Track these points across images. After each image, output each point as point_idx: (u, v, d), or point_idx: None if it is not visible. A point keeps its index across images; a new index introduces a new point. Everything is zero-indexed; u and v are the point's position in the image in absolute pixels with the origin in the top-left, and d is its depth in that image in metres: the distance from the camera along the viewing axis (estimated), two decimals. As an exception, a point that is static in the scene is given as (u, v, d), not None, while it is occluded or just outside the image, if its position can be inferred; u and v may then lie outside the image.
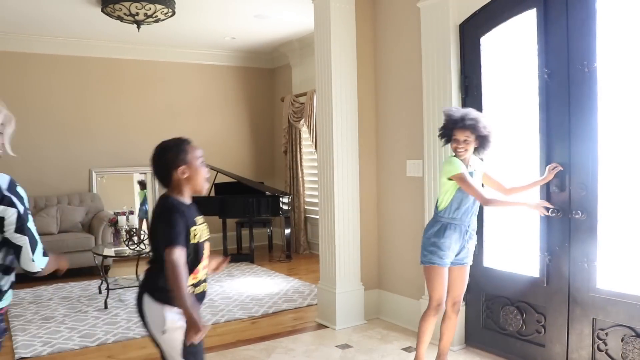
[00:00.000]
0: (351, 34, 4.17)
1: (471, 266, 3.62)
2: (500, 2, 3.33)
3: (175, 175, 2.08)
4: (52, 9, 5.39)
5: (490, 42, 3.46)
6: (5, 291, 1.88)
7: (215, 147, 7.48)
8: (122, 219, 5.66)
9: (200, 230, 2.12)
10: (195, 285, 2.13)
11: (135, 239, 5.12)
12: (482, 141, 2.94)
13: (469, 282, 3.62)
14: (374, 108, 4.34)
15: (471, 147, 2.94)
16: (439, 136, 3.08)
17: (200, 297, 2.18)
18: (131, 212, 6.27)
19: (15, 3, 5.15)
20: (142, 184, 7.32)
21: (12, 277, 1.90)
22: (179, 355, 2.06)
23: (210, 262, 2.32)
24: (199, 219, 2.15)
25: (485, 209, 3.46)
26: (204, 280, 2.19)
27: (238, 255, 7.07)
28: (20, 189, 1.83)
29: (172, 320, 2.02)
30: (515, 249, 3.41)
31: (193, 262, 2.09)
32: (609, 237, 2.89)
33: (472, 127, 2.88)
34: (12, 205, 1.78)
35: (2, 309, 1.89)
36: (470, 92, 3.56)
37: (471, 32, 3.54)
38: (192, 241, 2.06)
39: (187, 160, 2.08)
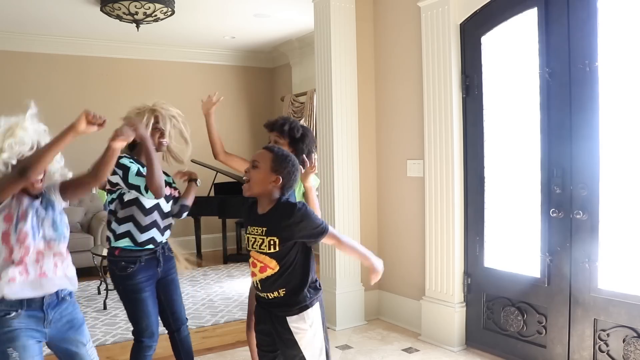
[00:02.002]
0: (351, 34, 4.16)
1: (472, 266, 3.62)
2: (501, 1, 3.32)
3: None
4: (50, 8, 5.38)
5: (491, 42, 3.44)
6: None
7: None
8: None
9: (248, 239, 2.13)
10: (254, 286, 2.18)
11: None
12: (296, 148, 2.78)
13: (470, 282, 3.61)
14: (374, 108, 4.32)
15: None
16: None
17: (261, 300, 2.18)
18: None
19: (14, 2, 5.14)
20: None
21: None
22: None
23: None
24: (252, 228, 2.11)
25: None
26: (257, 288, 2.14)
27: (238, 255, 7.06)
28: None
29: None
30: (516, 249, 3.39)
31: None
32: (611, 237, 2.88)
33: (279, 126, 2.77)
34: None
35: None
36: (471, 91, 3.54)
37: (472, 31, 3.52)
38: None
39: None
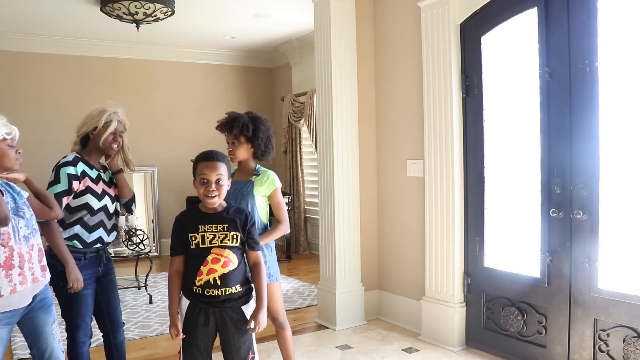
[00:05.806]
0: (351, 34, 4.16)
1: (472, 266, 3.62)
2: (501, 1, 3.32)
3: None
4: (50, 8, 5.38)
5: (491, 42, 3.44)
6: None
7: (214, 147, 7.39)
8: (121, 219, 5.64)
9: (203, 237, 2.22)
10: (202, 287, 2.21)
11: (135, 239, 5.11)
12: (254, 143, 2.82)
13: (470, 282, 3.61)
14: (374, 108, 4.32)
15: (241, 151, 2.83)
16: None
17: (213, 299, 2.23)
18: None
19: (14, 2, 5.13)
20: None
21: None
22: None
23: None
24: (207, 226, 2.23)
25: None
26: (214, 285, 2.20)
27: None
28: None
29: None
30: (516, 249, 3.39)
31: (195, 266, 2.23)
32: (611, 237, 2.88)
33: (228, 130, 2.79)
34: None
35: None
36: (471, 91, 3.54)
37: (472, 31, 3.52)
38: (192, 247, 2.22)
39: (194, 176, 2.29)
